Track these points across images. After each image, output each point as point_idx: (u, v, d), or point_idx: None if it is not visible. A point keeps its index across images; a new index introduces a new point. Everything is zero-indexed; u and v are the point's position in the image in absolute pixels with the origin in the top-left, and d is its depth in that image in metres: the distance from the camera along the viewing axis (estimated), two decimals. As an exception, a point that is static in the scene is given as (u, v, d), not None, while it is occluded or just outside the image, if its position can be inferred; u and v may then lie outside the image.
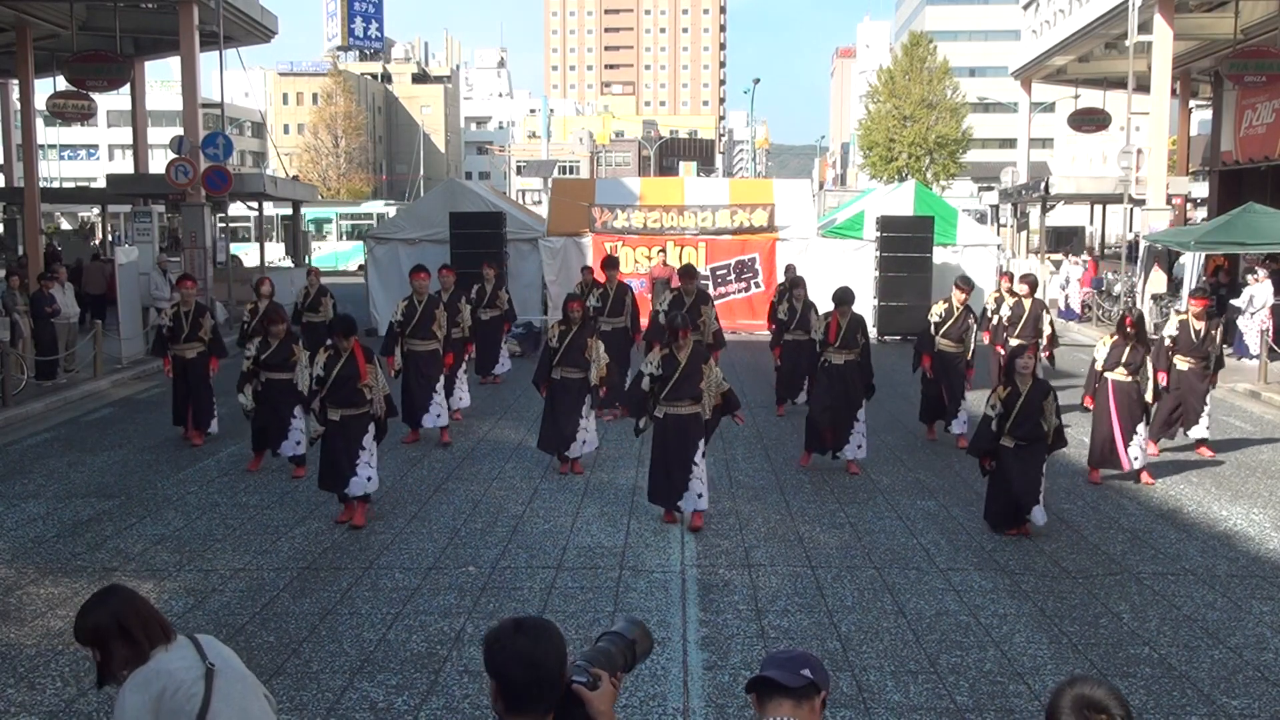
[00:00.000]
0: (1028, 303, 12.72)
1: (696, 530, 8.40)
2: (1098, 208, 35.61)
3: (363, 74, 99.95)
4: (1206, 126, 31.27)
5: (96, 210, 38.24)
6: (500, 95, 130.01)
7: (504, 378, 15.27)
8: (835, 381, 10.22)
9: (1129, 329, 9.94)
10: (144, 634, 3.20)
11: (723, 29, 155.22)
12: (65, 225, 43.66)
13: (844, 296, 10.30)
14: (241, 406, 10.36)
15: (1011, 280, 13.56)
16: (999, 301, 13.26)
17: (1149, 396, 9.87)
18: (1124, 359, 9.87)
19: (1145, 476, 9.95)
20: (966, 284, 11.69)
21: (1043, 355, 11.99)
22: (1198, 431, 11.09)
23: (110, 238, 35.06)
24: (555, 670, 2.48)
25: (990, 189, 48.18)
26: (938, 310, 11.69)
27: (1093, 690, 2.45)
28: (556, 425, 10.06)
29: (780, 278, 19.49)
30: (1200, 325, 11.00)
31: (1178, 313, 11.99)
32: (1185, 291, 18.76)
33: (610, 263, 13.52)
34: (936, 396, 11.59)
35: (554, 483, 9.86)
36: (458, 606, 6.79)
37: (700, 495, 8.43)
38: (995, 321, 13.07)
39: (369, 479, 8.48)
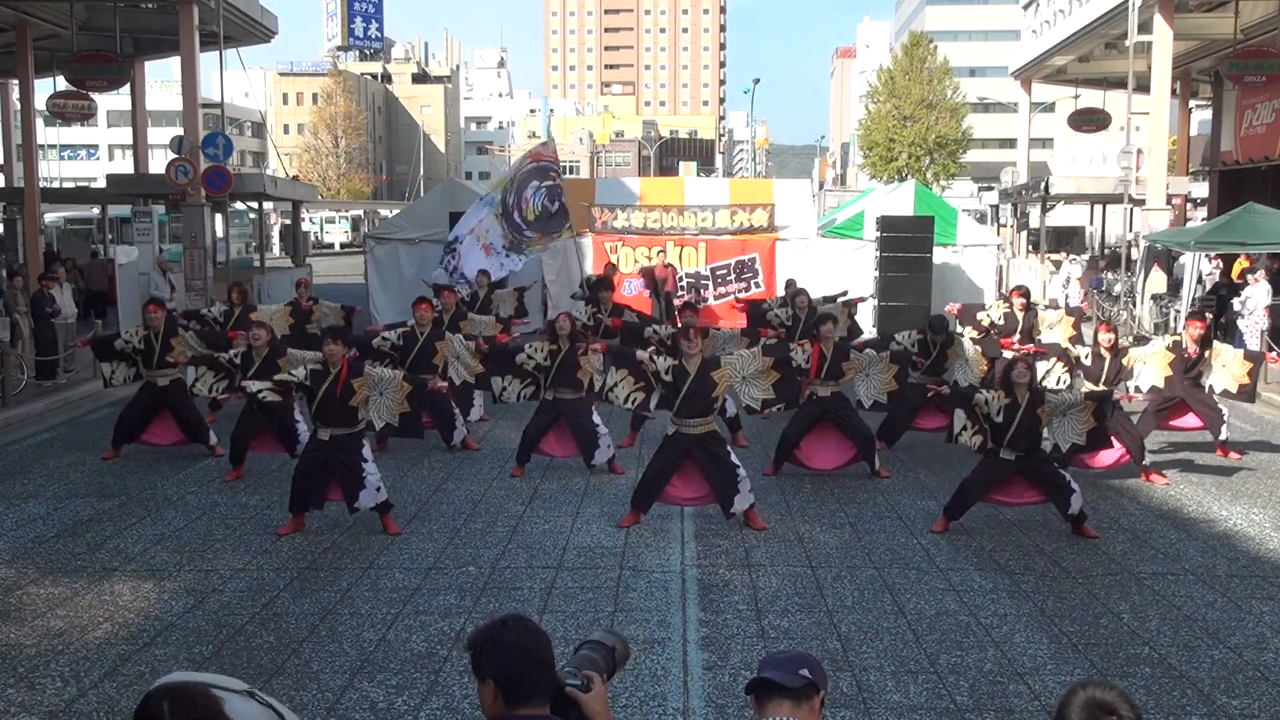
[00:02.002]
0: (1021, 314, 12.31)
1: (760, 529, 8.32)
2: (1098, 208, 35.63)
3: (363, 74, 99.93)
4: (1206, 126, 31.27)
5: (96, 210, 38.24)
6: (500, 95, 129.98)
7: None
8: (814, 410, 9.89)
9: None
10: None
11: (723, 29, 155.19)
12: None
13: (821, 318, 10.11)
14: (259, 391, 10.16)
15: (1016, 293, 13.02)
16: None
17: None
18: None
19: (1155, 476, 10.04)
20: (941, 326, 11.14)
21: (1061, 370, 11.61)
22: (1222, 432, 10.90)
23: (109, 237, 35.06)
24: (549, 656, 2.56)
25: (990, 189, 48.21)
26: (911, 338, 11.06)
27: (1103, 693, 2.45)
28: (530, 438, 10.03)
29: (780, 282, 19.51)
30: (1194, 349, 10.70)
31: (1172, 334, 11.79)
32: (1185, 292, 18.77)
33: (603, 284, 13.44)
34: (904, 416, 11.09)
35: (554, 483, 9.86)
36: (458, 606, 6.79)
37: (750, 490, 8.37)
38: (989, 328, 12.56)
39: (378, 489, 8.24)
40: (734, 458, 8.44)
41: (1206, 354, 10.63)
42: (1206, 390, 10.57)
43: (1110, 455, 9.98)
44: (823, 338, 9.90)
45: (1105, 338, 10.01)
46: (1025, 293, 12.84)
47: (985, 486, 8.41)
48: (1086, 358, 10.14)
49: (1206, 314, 18.60)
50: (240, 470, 10.03)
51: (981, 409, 8.32)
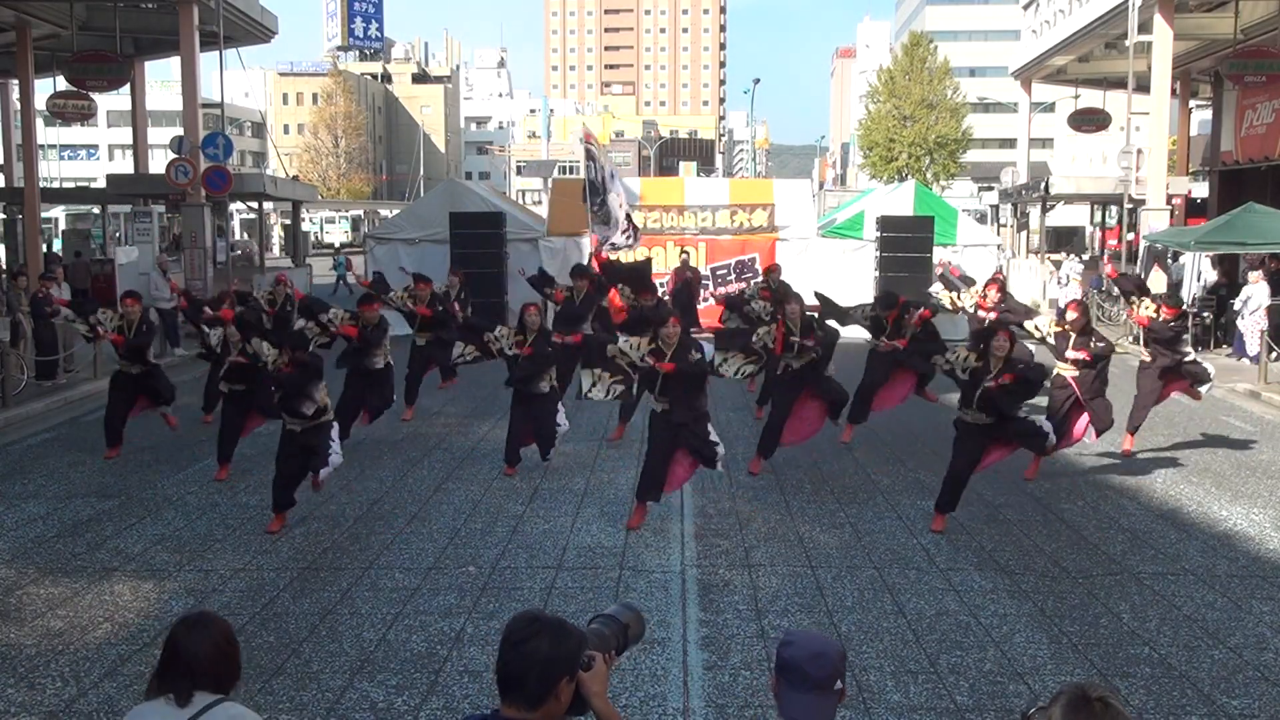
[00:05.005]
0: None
1: (755, 474, 8.44)
2: (1098, 207, 35.65)
3: (363, 74, 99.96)
4: (1206, 126, 31.26)
5: (96, 210, 38.30)
6: (500, 95, 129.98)
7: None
8: (792, 388, 9.99)
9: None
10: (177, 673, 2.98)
11: (723, 29, 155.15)
12: (64, 225, 43.66)
13: (785, 297, 10.14)
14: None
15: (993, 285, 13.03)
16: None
17: None
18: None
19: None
20: (890, 302, 11.00)
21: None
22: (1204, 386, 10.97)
23: (110, 236, 35.10)
24: (544, 666, 2.47)
25: (990, 189, 48.22)
26: (864, 313, 11.04)
27: (1087, 689, 2.38)
28: (517, 436, 10.06)
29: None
30: (1174, 324, 10.80)
31: (1151, 300, 11.30)
32: (1185, 292, 18.76)
33: (579, 270, 13.34)
34: (870, 388, 11.07)
35: (554, 483, 9.86)
36: (458, 606, 6.79)
37: (717, 443, 8.42)
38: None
39: (337, 453, 8.43)
40: (714, 435, 8.48)
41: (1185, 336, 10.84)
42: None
43: (1081, 426, 10.07)
44: (787, 316, 9.90)
45: (1071, 316, 9.86)
46: (1001, 285, 12.74)
47: (969, 465, 8.41)
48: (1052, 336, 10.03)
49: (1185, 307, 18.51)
50: (227, 469, 10.05)
51: (953, 364, 8.39)
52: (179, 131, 22.42)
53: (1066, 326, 9.89)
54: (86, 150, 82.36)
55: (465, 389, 14.48)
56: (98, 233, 35.96)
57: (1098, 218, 36.39)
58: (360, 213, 61.30)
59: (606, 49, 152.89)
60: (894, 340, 10.81)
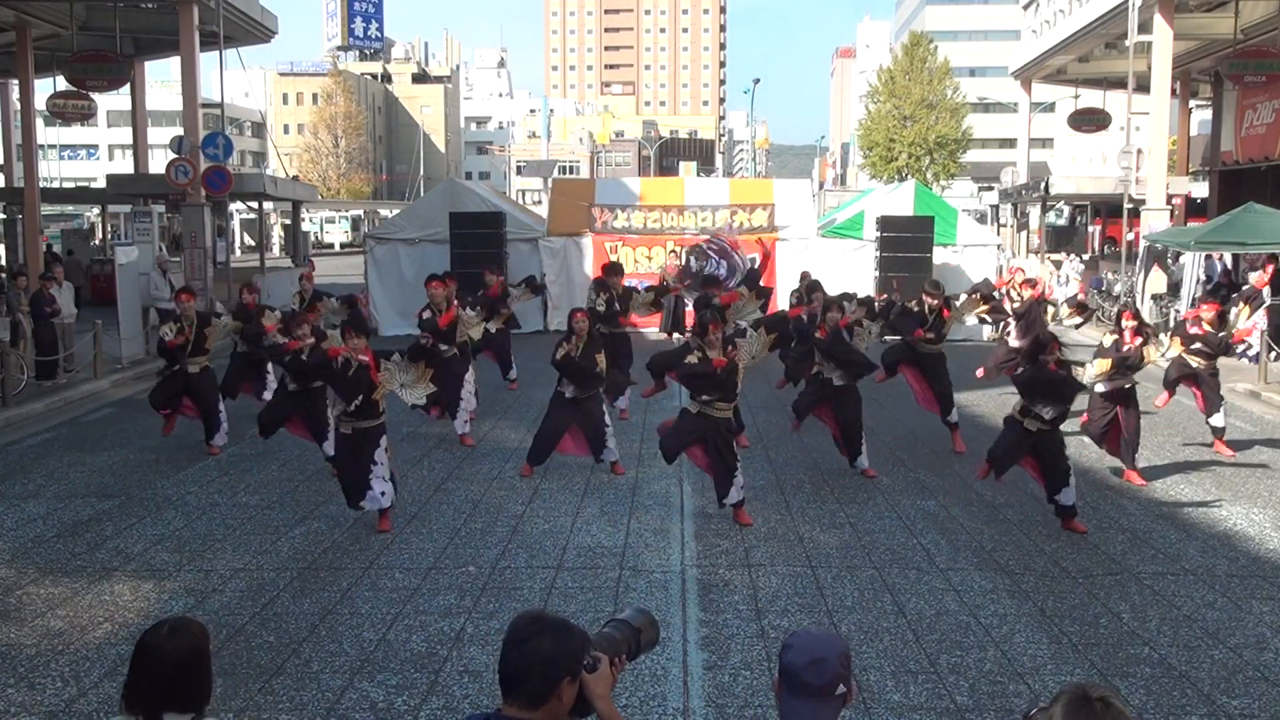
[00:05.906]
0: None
1: (746, 525, 8.42)
2: (1057, 209, 35.71)
3: (363, 74, 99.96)
4: (1206, 126, 31.27)
5: (96, 210, 38.33)
6: (500, 95, 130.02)
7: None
8: (818, 394, 10.16)
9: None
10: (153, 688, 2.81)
11: (723, 29, 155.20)
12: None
13: (828, 305, 10.26)
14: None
15: (1024, 285, 13.09)
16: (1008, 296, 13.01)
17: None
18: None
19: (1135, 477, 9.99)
20: (936, 288, 11.29)
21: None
22: (1217, 420, 10.97)
23: (110, 237, 35.10)
24: (546, 666, 2.47)
25: (990, 189, 48.23)
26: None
27: (1088, 689, 2.38)
28: (549, 437, 9.97)
29: (780, 283, 19.42)
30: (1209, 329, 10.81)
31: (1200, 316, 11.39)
32: (1185, 292, 18.74)
33: (614, 269, 13.38)
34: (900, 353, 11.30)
35: (554, 483, 9.85)
36: (458, 606, 6.79)
37: (741, 487, 8.52)
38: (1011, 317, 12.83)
39: (382, 493, 8.28)
40: (736, 449, 8.64)
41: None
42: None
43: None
44: (829, 325, 10.02)
45: (1130, 324, 9.87)
46: (1032, 283, 12.80)
47: (1014, 446, 8.56)
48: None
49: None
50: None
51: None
52: (179, 131, 22.41)
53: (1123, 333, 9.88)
54: (86, 150, 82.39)
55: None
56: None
57: (1060, 217, 36.66)
58: (360, 213, 61.31)
59: (606, 49, 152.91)
60: (930, 333, 11.00)
